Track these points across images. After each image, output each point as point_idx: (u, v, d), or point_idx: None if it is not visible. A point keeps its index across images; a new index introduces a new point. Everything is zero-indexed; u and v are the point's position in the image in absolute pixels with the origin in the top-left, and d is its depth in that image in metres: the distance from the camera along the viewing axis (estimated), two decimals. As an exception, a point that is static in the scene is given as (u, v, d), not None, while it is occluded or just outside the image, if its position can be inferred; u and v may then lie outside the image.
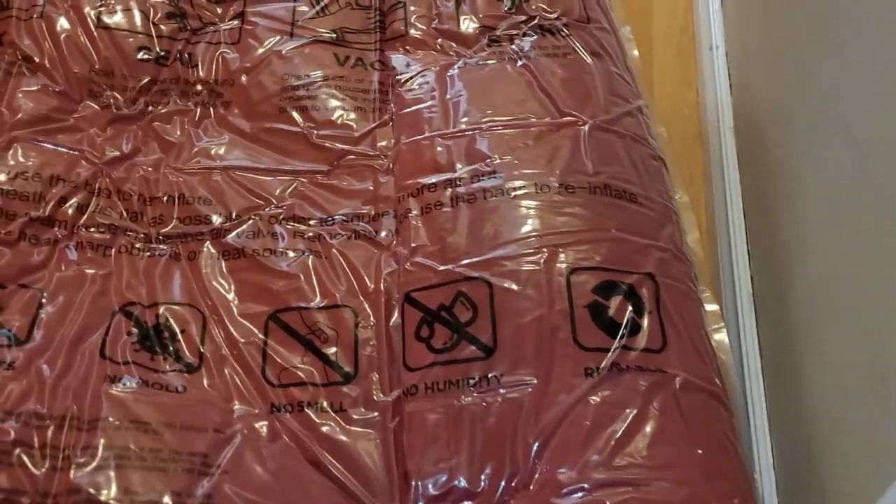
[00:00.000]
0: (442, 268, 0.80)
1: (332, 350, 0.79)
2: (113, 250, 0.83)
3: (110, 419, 0.69)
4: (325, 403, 0.76)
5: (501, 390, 0.73)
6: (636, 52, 1.15)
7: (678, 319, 0.77)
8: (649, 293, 0.78)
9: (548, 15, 1.01)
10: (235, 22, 1.03)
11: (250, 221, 0.87)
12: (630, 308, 0.76)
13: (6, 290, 0.76)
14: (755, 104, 1.07)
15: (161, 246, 0.85)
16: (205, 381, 0.76)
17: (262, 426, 0.74)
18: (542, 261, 0.78)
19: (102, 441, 0.67)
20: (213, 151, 0.93)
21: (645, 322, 0.76)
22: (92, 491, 0.65)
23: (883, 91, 0.67)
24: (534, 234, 0.80)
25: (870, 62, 0.71)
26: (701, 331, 0.80)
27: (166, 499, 0.66)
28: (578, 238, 0.80)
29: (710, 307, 0.88)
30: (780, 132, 0.96)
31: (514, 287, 0.77)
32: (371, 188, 0.90)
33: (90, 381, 0.72)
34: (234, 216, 0.88)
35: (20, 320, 0.74)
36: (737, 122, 1.10)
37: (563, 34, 0.99)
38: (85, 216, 0.85)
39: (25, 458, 0.66)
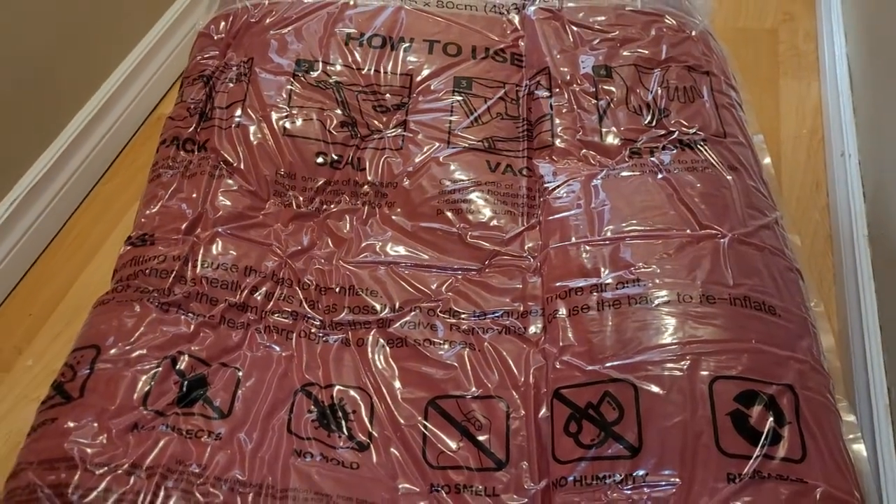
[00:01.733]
0: (589, 368, 0.87)
1: (486, 437, 0.87)
2: (294, 334, 0.95)
3: (299, 489, 0.79)
4: (479, 487, 0.83)
5: (646, 489, 0.78)
6: (768, 160, 1.20)
7: (817, 431, 0.81)
8: (789, 404, 0.82)
9: (686, 130, 1.09)
10: (399, 130, 1.15)
11: (412, 313, 0.97)
12: (771, 418, 0.80)
13: (211, 368, 0.88)
14: (890, 213, 1.09)
15: (334, 332, 0.96)
16: (374, 459, 0.85)
17: (423, 505, 0.82)
18: (686, 368, 0.84)
19: (293, 509, 0.77)
20: (378, 247, 1.05)
21: (785, 432, 0.80)
22: (285, 554, 0.74)
23: None
24: (677, 341, 0.86)
25: None
26: (839, 442, 0.83)
27: (346, 566, 0.74)
28: (720, 348, 0.85)
29: (847, 417, 0.91)
30: None
31: (659, 391, 0.83)
32: (520, 287, 0.99)
33: (280, 453, 0.82)
34: (397, 307, 0.98)
35: (223, 396, 0.86)
36: (871, 231, 1.13)
37: (701, 149, 1.06)
38: (271, 303, 0.97)
39: (230, 521, 0.76)
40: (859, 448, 0.88)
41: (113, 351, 0.87)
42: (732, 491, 0.76)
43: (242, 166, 1.08)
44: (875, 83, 1.26)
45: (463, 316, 0.97)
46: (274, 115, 1.12)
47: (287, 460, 0.82)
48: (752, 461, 0.77)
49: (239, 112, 1.12)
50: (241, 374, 0.89)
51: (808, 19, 1.58)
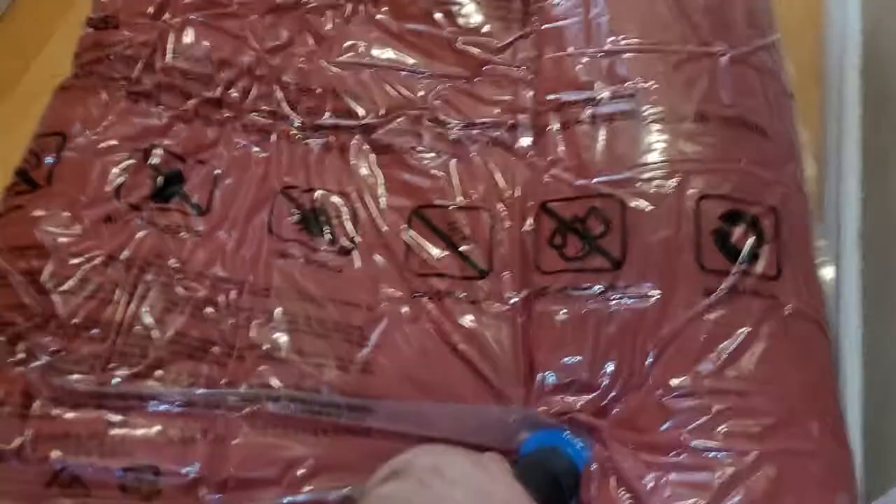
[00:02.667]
0: (578, 182, 0.86)
1: (469, 247, 0.87)
2: (273, 135, 0.91)
3: (281, 288, 0.79)
4: (461, 294, 0.84)
5: (626, 300, 0.80)
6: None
7: (794, 252, 0.83)
8: (770, 225, 0.83)
9: (694, -61, 1.02)
10: (387, -81, 1.05)
11: (398, 119, 0.93)
12: (752, 237, 0.82)
13: (187, 164, 0.85)
14: (888, 51, 1.07)
15: (315, 135, 0.92)
16: (356, 264, 0.85)
17: (405, 309, 0.83)
18: (674, 185, 0.83)
19: (278, 307, 0.77)
20: (361, 48, 0.99)
21: (764, 251, 0.81)
22: (269, 347, 0.75)
23: None
24: (667, 158, 0.85)
25: None
26: (812, 264, 0.85)
27: (331, 362, 0.76)
28: (709, 167, 0.84)
29: (819, 241, 0.93)
30: None
31: (646, 207, 0.83)
32: (510, 98, 0.95)
33: (262, 253, 0.81)
34: (381, 113, 0.94)
35: (201, 193, 0.83)
36: (864, 65, 1.10)
37: (708, -41, 1.00)
38: (248, 100, 0.92)
39: (214, 314, 0.76)
40: (826, 271, 0.91)
41: (80, 139, 0.82)
42: (708, 304, 0.78)
43: (214, -53, 0.98)
44: None
45: (450, 125, 0.94)
46: None
47: (269, 260, 0.81)
48: (729, 277, 0.79)
49: None
50: (218, 171, 0.85)
51: None
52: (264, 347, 0.75)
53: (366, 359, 0.77)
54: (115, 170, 0.80)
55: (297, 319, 0.77)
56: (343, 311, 0.79)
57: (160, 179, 0.81)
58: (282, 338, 0.75)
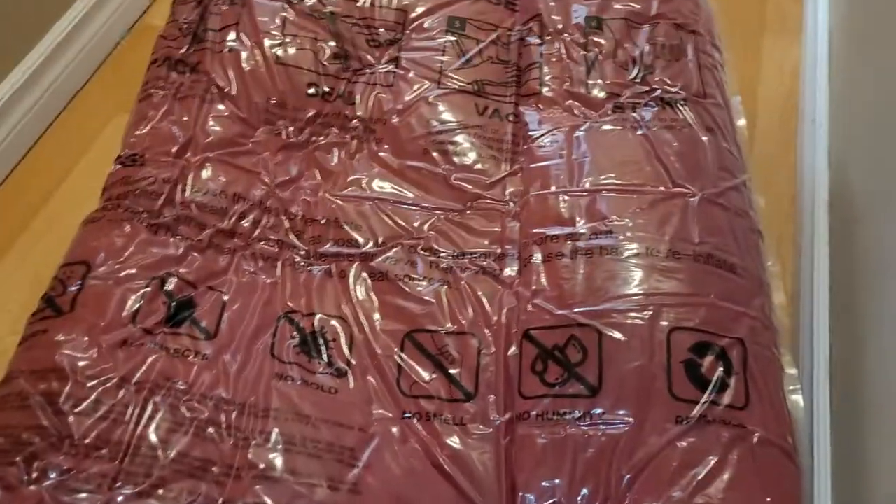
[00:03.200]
0: (558, 312, 0.93)
1: (457, 371, 0.93)
2: (279, 262, 0.99)
3: (280, 409, 0.84)
4: (448, 416, 0.89)
5: (602, 426, 0.85)
6: (743, 122, 1.24)
7: (761, 382, 0.88)
8: (738, 356, 0.89)
9: (669, 88, 1.12)
10: (390, 66, 1.17)
11: (394, 249, 1.01)
12: (720, 368, 0.87)
13: (198, 291, 0.92)
14: (852, 184, 1.15)
15: (318, 262, 1.00)
16: (351, 385, 0.90)
17: (395, 430, 0.88)
18: (647, 317, 0.90)
19: (275, 428, 0.82)
20: (364, 182, 1.08)
21: (732, 382, 0.87)
22: (264, 467, 0.80)
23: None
24: (641, 292, 0.91)
25: None
26: (780, 393, 0.90)
27: (323, 482, 0.80)
28: (681, 301, 0.91)
29: (790, 370, 0.99)
30: (875, 215, 1.04)
31: (621, 337, 0.89)
32: (499, 230, 1.03)
33: (263, 375, 0.87)
34: (380, 242, 1.02)
35: (209, 318, 0.90)
36: (832, 198, 1.18)
37: (681, 108, 1.10)
38: (258, 230, 1.01)
39: (215, 435, 0.81)
40: (798, 399, 0.96)
41: (103, 268, 0.90)
42: (680, 432, 0.83)
43: (234, 92, 1.09)
44: (851, 54, 1.29)
45: (442, 254, 1.01)
46: (267, 42, 1.13)
47: (269, 382, 0.87)
48: (699, 406, 0.84)
49: (232, 36, 1.12)
50: (226, 297, 0.93)
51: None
52: (260, 467, 0.80)
53: (355, 479, 0.82)
54: (132, 297, 0.87)
55: (293, 440, 0.82)
56: (336, 432, 0.85)
57: (173, 305, 0.88)
58: (277, 458, 0.80)
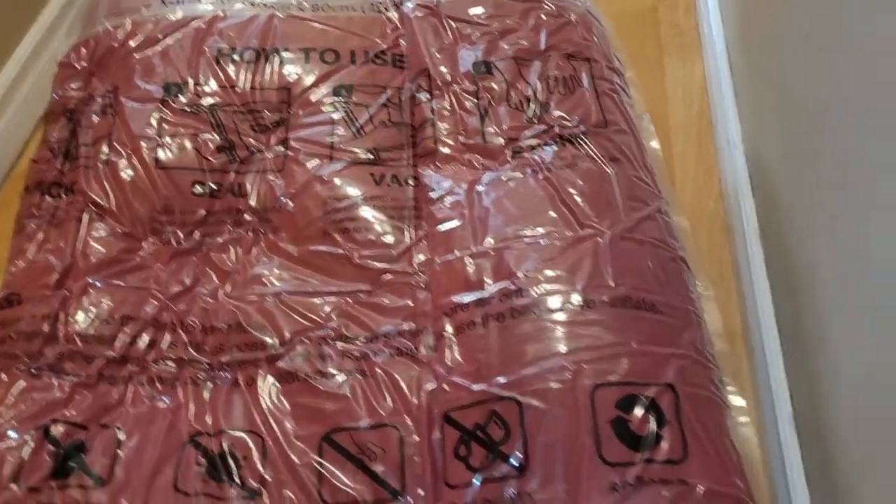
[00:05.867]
0: (476, 388, 0.87)
1: (381, 468, 0.86)
2: (179, 382, 0.93)
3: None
4: (376, 521, 0.83)
5: (535, 506, 0.79)
6: (655, 143, 1.19)
7: (699, 427, 0.82)
8: (669, 404, 0.82)
9: (566, 123, 1.07)
10: (280, 148, 1.11)
11: (301, 345, 0.95)
12: (651, 420, 0.81)
13: (89, 432, 0.86)
14: (778, 209, 1.07)
15: (222, 374, 0.94)
16: (267, 504, 0.84)
17: (319, 546, 0.82)
18: (567, 379, 0.84)
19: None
20: (264, 278, 1.02)
21: (666, 433, 0.81)
22: None
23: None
24: (558, 352, 0.86)
25: (885, 158, 0.74)
26: (722, 435, 0.84)
27: None
28: (600, 354, 0.85)
29: (737, 401, 0.92)
30: (804, 236, 0.97)
31: (542, 406, 0.83)
32: (411, 305, 0.98)
33: (167, 515, 0.81)
34: (286, 339, 0.96)
35: (102, 461, 0.84)
36: (761, 224, 1.11)
37: (582, 142, 1.05)
38: (153, 351, 0.95)
39: None
40: (748, 433, 0.90)
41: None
42: (615, 501, 0.77)
43: (114, 207, 1.04)
44: (752, 64, 1.23)
45: (354, 341, 0.95)
46: (144, 147, 1.08)
47: (173, 521, 0.80)
48: (633, 467, 0.78)
49: (106, 148, 1.08)
50: (122, 433, 0.86)
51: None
52: None
53: None
54: (11, 455, 0.81)
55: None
56: (252, 561, 0.78)
57: (61, 454, 0.82)
58: None
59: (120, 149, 1.07)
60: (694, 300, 0.95)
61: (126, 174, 1.06)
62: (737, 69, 1.30)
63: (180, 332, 0.97)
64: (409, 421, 0.88)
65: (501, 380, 0.86)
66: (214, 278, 1.02)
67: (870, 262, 0.78)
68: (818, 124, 0.95)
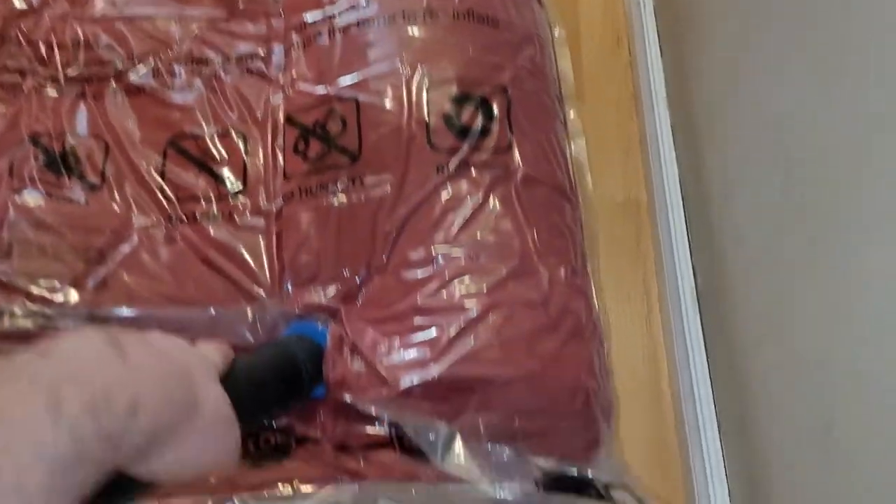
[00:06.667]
0: (318, 92, 0.88)
1: (224, 169, 0.88)
2: (22, 90, 0.92)
3: (15, 220, 0.79)
4: (216, 213, 0.86)
5: (364, 191, 0.82)
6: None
7: (527, 126, 0.86)
8: (502, 103, 0.86)
9: None
10: None
11: (151, 62, 0.95)
12: (481, 115, 0.84)
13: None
14: (686, 72, 1.05)
15: (69, 88, 0.93)
16: (106, 196, 0.86)
17: (158, 233, 0.84)
18: (403, 79, 0.86)
19: (7, 235, 0.78)
20: (117, 2, 1.00)
21: (494, 127, 0.84)
22: None
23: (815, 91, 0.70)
24: (397, 55, 0.88)
25: (803, 58, 0.74)
26: (551, 136, 0.88)
27: (66, 282, 0.76)
28: (439, 58, 0.87)
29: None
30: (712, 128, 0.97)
31: (378, 102, 0.85)
32: (264, 30, 0.97)
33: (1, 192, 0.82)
34: (136, 58, 0.96)
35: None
36: (668, 92, 1.08)
37: None
38: (-5, 61, 0.93)
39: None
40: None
41: None
42: (440, 180, 0.81)
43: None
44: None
45: (206, 62, 0.96)
46: None
47: (6, 198, 0.81)
48: (459, 153, 0.82)
49: None
50: (-42, 128, 0.86)
51: None
52: (-5, 280, 0.76)
53: (104, 276, 0.78)
54: None
55: (28, 247, 0.78)
56: (84, 236, 0.80)
57: None
58: (10, 265, 0.76)
59: None
60: (540, 27, 0.97)
61: None
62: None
63: (26, 47, 0.95)
64: (254, 129, 0.90)
65: (342, 82, 0.88)
66: (66, 4, 1.00)
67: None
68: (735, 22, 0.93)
